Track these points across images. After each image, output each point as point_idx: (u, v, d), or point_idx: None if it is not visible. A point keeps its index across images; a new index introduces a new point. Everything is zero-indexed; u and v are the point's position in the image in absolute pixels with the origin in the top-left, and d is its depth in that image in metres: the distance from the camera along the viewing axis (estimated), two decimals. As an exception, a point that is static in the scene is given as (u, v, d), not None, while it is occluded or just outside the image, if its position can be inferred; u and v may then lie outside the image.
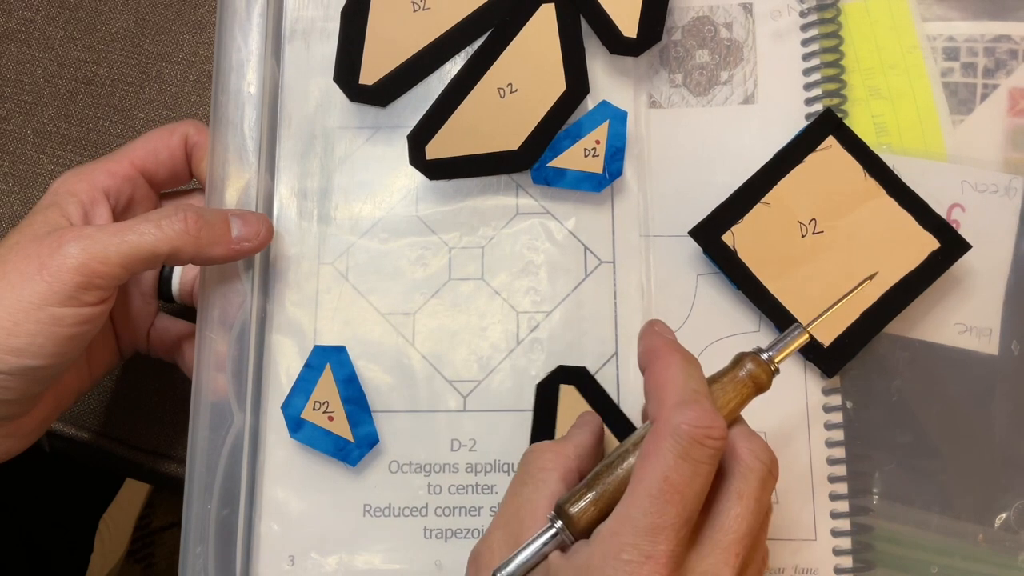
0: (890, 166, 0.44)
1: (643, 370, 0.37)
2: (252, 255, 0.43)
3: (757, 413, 0.41)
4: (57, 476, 0.49)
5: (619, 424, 0.43)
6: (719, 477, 0.34)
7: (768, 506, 0.34)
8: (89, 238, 0.37)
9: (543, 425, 0.43)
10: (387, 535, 0.42)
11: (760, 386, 0.36)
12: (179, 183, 0.45)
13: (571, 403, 0.43)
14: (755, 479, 0.33)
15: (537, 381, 0.43)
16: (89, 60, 0.51)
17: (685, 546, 0.32)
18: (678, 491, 0.32)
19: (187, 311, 0.46)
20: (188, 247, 0.39)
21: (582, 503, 0.34)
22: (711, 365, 0.44)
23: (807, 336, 0.37)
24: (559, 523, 0.34)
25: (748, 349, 0.37)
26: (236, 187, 0.45)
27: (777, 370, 0.36)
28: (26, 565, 0.44)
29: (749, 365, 0.36)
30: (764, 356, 0.36)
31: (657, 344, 0.36)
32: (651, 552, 0.31)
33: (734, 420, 0.36)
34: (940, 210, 0.44)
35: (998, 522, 0.43)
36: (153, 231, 0.38)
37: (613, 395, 0.43)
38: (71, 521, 0.53)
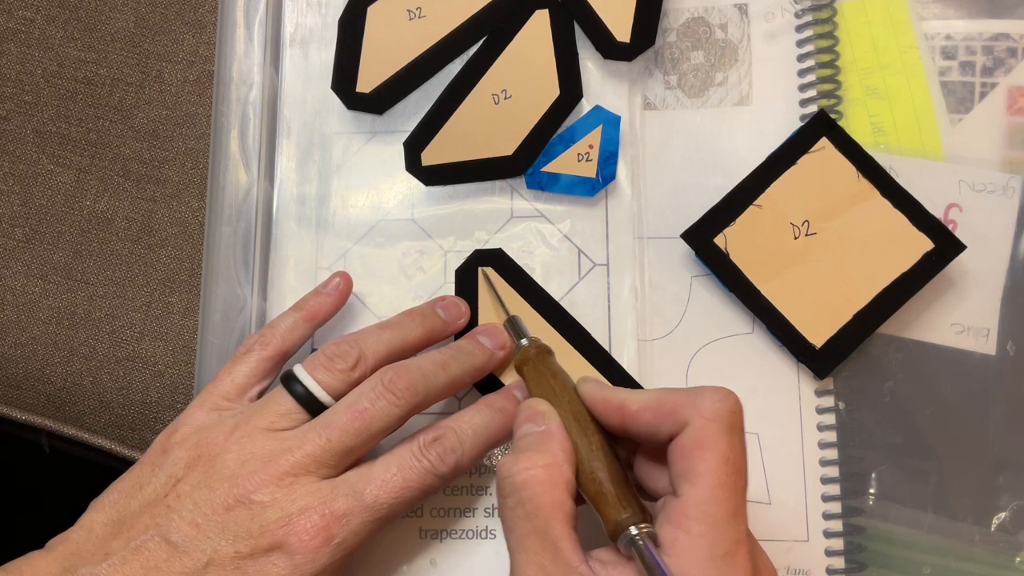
0: (887, 166, 0.44)
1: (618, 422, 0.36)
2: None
3: (748, 415, 0.41)
4: (68, 477, 0.50)
5: (537, 298, 0.44)
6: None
7: None
8: None
9: None
10: (383, 535, 0.43)
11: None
12: None
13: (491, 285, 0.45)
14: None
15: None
16: (89, 60, 0.51)
17: None
18: (737, 469, 0.32)
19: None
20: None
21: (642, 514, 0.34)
22: (705, 367, 0.44)
23: None
24: (635, 534, 0.33)
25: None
26: (236, 194, 0.46)
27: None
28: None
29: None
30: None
31: (611, 393, 0.37)
32: (737, 536, 0.32)
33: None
34: (937, 210, 0.44)
35: (995, 523, 0.43)
36: None
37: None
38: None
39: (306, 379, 0.38)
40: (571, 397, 0.37)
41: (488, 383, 0.43)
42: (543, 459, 0.35)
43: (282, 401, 0.38)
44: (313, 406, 0.38)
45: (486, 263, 0.45)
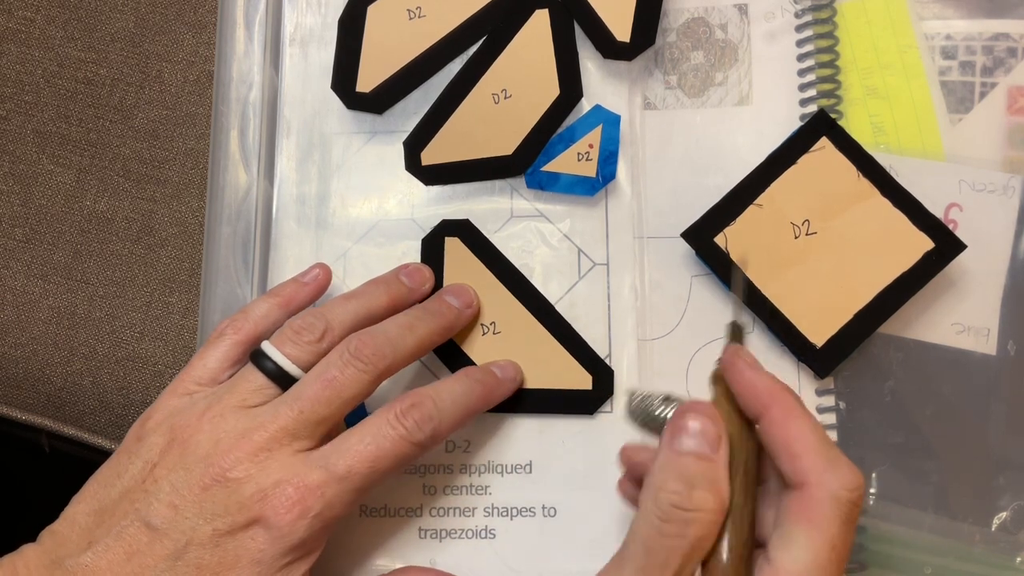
0: (887, 166, 0.44)
1: (757, 412, 0.34)
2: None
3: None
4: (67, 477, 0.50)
5: (506, 273, 0.45)
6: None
7: None
8: None
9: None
10: (383, 535, 0.43)
11: None
12: None
13: (457, 255, 0.45)
14: None
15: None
16: (89, 60, 0.51)
17: None
18: (841, 558, 0.31)
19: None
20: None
21: None
22: (705, 367, 0.44)
23: None
24: None
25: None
26: (236, 194, 0.46)
27: None
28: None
29: None
30: None
31: (774, 387, 0.34)
32: None
33: None
34: (938, 210, 0.44)
35: (995, 523, 0.43)
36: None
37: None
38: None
39: (275, 354, 0.38)
40: (751, 449, 0.35)
41: (450, 351, 0.43)
42: (715, 503, 0.33)
43: (252, 378, 0.38)
44: (284, 380, 0.38)
45: (453, 233, 0.45)
